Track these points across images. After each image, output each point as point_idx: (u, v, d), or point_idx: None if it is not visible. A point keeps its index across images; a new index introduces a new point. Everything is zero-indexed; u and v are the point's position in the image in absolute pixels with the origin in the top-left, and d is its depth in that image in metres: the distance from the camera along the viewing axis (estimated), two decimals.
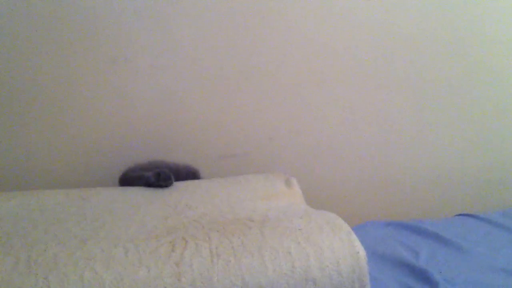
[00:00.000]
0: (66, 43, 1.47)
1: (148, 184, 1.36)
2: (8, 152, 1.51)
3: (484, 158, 1.91)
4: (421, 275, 1.30)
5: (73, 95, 1.52)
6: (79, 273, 0.85)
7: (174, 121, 1.59)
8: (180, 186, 1.38)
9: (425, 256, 1.43)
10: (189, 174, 1.51)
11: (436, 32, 1.73)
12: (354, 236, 1.00)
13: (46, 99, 1.50)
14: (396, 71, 1.74)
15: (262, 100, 1.65)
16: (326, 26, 1.64)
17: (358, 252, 0.97)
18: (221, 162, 1.65)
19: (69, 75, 1.50)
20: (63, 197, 1.24)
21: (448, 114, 1.83)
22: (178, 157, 1.58)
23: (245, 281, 0.89)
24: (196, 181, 1.47)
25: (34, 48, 1.46)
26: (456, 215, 1.79)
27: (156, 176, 1.36)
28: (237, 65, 1.60)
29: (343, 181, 1.80)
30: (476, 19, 1.75)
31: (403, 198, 1.86)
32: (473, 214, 1.74)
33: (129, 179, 1.44)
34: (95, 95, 1.53)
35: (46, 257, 0.89)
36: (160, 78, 1.55)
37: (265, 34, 1.60)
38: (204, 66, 1.58)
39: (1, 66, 1.45)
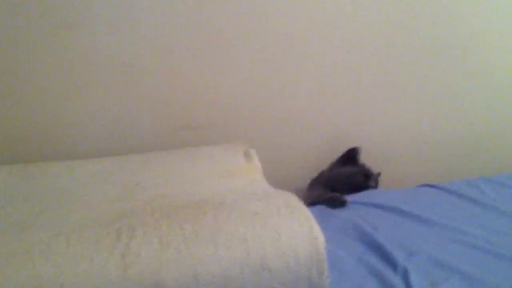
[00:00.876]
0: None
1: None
2: None
3: (447, 130, 1.91)
4: (380, 249, 1.29)
5: (23, 61, 1.44)
6: (15, 268, 0.79)
7: (132, 91, 1.52)
8: (135, 160, 1.32)
9: (385, 229, 1.41)
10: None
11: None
12: (313, 221, 0.96)
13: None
14: (364, 39, 1.70)
15: (225, 69, 1.59)
16: None
17: (316, 238, 0.94)
18: (182, 133, 1.58)
19: (20, 40, 1.41)
20: (4, 176, 1.15)
21: (411, 86, 1.82)
22: (136, 128, 1.53)
23: (196, 272, 0.85)
24: (151, 154, 1.40)
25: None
26: (418, 185, 1.78)
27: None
28: (198, 34, 1.53)
29: (307, 153, 1.77)
30: None
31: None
32: (435, 185, 1.73)
33: None
34: (47, 61, 1.45)
35: None
36: (118, 47, 1.48)
37: (227, 1, 1.52)
38: (164, 35, 1.51)
39: None
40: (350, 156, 1.71)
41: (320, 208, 1.52)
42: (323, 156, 1.77)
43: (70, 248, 0.83)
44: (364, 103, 1.80)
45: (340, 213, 1.50)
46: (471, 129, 1.94)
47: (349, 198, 1.58)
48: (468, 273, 1.19)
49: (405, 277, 1.17)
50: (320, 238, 0.94)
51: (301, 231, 0.93)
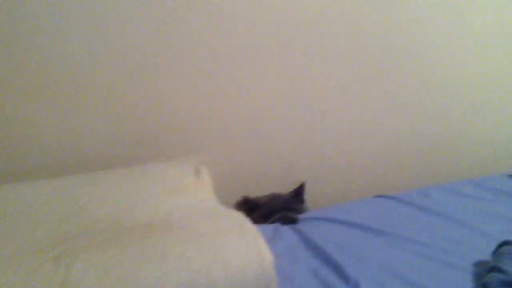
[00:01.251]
0: None
1: None
2: None
3: (399, 140, 1.95)
4: (333, 263, 1.30)
5: None
6: None
7: (81, 106, 1.49)
8: (81, 180, 1.28)
9: (339, 242, 1.42)
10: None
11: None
12: (261, 240, 0.96)
13: None
14: (316, 43, 1.70)
15: (175, 80, 1.57)
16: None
17: (264, 258, 0.93)
18: (131, 149, 1.55)
19: None
20: None
21: (366, 98, 1.84)
22: (85, 144, 1.49)
23: None
24: (99, 174, 1.36)
25: None
26: (374, 196, 1.79)
27: None
28: (145, 42, 1.50)
29: (260, 166, 1.76)
30: None
31: (322, 183, 1.86)
32: (390, 195, 1.75)
33: None
34: None
35: None
36: (62, 58, 1.44)
37: (171, 10, 1.50)
38: (109, 46, 1.47)
39: None
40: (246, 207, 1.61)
41: (274, 224, 1.52)
42: (277, 170, 1.77)
43: (8, 277, 0.81)
44: (319, 113, 1.80)
45: (294, 229, 1.51)
46: (423, 137, 1.97)
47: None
48: (419, 283, 1.21)
49: None
50: (268, 257, 0.94)
51: (248, 251, 0.93)
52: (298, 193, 1.68)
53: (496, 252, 1.28)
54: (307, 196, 1.72)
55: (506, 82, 2.00)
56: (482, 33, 1.90)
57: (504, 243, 1.28)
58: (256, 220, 1.38)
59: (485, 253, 1.32)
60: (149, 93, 1.54)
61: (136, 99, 1.53)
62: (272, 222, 1.52)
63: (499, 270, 1.18)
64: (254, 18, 1.59)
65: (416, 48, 1.84)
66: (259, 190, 1.67)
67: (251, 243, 0.94)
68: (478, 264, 1.30)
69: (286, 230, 1.50)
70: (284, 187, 1.72)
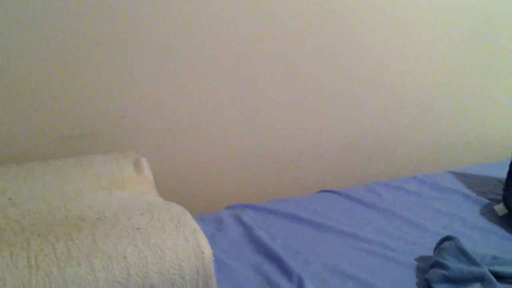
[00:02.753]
0: None
1: None
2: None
3: (345, 136, 1.95)
4: (277, 258, 1.29)
5: None
6: None
7: (10, 96, 1.40)
8: (8, 171, 1.21)
9: (283, 237, 1.42)
10: None
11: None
12: (200, 234, 0.94)
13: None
14: (254, 38, 1.67)
15: (112, 72, 1.50)
16: None
17: (203, 252, 0.91)
18: (66, 143, 1.48)
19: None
20: None
21: (310, 92, 1.83)
22: (14, 138, 1.41)
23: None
24: (28, 165, 1.27)
25: None
26: (319, 191, 1.80)
27: None
28: (82, 34, 1.43)
29: (202, 162, 1.72)
30: None
31: (268, 178, 1.84)
32: (335, 190, 1.76)
33: None
34: None
35: None
36: None
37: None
38: (46, 36, 1.40)
39: None
40: None
41: (217, 219, 1.50)
42: (218, 163, 1.75)
43: None
44: (261, 110, 1.78)
45: (239, 222, 1.49)
46: (368, 134, 1.99)
47: (246, 206, 1.57)
48: (362, 278, 1.23)
49: (301, 285, 1.18)
50: (208, 252, 0.91)
51: (186, 246, 0.90)
52: None
53: (438, 247, 1.30)
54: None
55: (450, 80, 2.04)
56: (424, 31, 1.93)
57: (446, 239, 1.31)
58: None
59: (427, 249, 1.35)
60: (85, 87, 1.47)
61: (71, 93, 1.46)
62: None
63: (441, 266, 1.20)
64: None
65: (357, 47, 1.84)
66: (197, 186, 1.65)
67: (189, 237, 0.91)
68: (421, 260, 1.33)
69: (231, 224, 1.49)
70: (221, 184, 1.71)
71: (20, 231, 0.88)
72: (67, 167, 1.24)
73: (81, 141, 1.49)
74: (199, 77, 1.62)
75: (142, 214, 0.96)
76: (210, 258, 0.91)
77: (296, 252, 1.34)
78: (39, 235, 0.87)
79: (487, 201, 1.67)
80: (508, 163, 1.64)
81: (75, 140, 1.48)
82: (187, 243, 0.90)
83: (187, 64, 1.58)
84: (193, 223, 0.95)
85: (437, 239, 1.33)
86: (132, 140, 1.57)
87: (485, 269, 1.16)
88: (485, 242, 1.42)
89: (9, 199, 1.04)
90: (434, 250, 1.31)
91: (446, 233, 1.36)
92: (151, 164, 1.37)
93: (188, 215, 0.97)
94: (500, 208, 1.57)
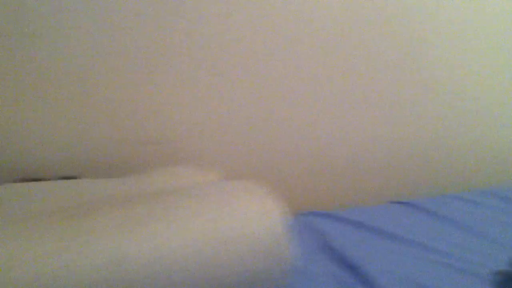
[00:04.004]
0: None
1: None
2: None
3: (416, 146, 1.96)
4: (353, 267, 1.31)
5: None
6: None
7: (87, 104, 1.52)
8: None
9: (355, 246, 1.44)
10: None
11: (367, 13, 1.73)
12: (269, 197, 1.02)
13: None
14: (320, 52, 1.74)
15: (191, 83, 1.61)
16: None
17: (274, 212, 0.99)
18: (144, 149, 1.58)
19: None
20: None
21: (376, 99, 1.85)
22: (91, 142, 1.52)
23: (156, 247, 0.88)
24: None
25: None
26: (389, 202, 1.81)
27: None
28: (163, 43, 1.54)
29: (274, 169, 1.78)
30: None
31: (335, 186, 1.87)
32: (405, 201, 1.77)
33: None
34: None
35: None
36: (69, 56, 1.47)
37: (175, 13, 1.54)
38: (122, 43, 1.51)
39: None
40: None
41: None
42: (288, 170, 1.79)
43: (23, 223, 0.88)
44: (334, 115, 1.81)
45: (309, 227, 1.53)
46: (440, 145, 1.98)
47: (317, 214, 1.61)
48: None
49: None
50: (277, 212, 1.00)
51: (257, 207, 0.99)
52: None
53: None
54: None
55: None
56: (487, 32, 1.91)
57: None
58: None
59: (502, 262, 1.33)
60: (152, 96, 1.58)
61: (138, 102, 1.57)
62: None
63: None
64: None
65: (418, 48, 1.85)
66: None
67: (259, 200, 1.01)
68: (496, 273, 1.31)
69: (302, 230, 1.51)
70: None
71: (103, 204, 1.00)
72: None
73: (159, 147, 1.59)
74: (258, 88, 1.70)
75: (214, 184, 1.11)
76: (280, 217, 0.99)
77: (370, 262, 1.34)
78: (121, 203, 0.99)
79: None
80: None
81: (152, 146, 1.59)
82: (257, 204, 1.00)
83: (264, 73, 1.68)
84: (262, 189, 1.05)
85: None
86: (207, 148, 1.67)
87: None
88: None
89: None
90: (510, 263, 1.30)
91: None
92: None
93: (256, 185, 1.07)
94: None
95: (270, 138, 1.76)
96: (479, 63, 1.95)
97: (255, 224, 0.96)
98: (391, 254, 1.41)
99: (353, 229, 1.55)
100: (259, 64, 1.67)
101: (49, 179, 1.31)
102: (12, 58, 1.43)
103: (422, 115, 1.93)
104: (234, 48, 1.62)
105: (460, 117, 1.99)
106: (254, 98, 1.70)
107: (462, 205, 1.75)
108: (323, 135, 1.82)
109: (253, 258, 0.94)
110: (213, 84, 1.63)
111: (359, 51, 1.77)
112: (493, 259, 1.36)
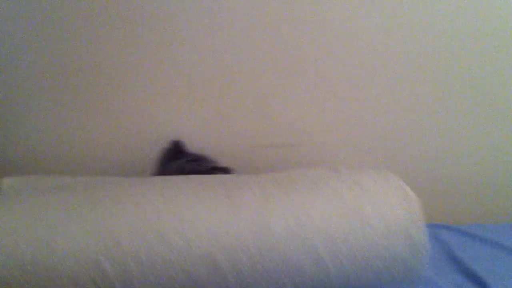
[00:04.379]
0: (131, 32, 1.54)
1: None
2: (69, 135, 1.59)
3: None
4: (481, 283, 1.29)
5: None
6: (140, 208, 0.93)
7: (229, 103, 1.61)
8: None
9: (484, 262, 1.40)
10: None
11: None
12: (406, 186, 1.05)
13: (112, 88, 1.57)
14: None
15: (316, 89, 1.66)
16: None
17: (410, 197, 1.02)
18: (265, 152, 1.65)
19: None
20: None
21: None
22: (226, 140, 1.61)
23: (300, 221, 0.95)
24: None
25: (102, 37, 1.53)
26: None
27: None
28: (294, 52, 1.62)
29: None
30: None
31: (463, 201, 1.82)
32: None
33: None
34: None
35: (108, 194, 0.97)
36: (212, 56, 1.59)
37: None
38: (263, 44, 1.60)
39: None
40: (176, 152, 1.53)
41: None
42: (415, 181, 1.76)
43: (185, 193, 0.99)
44: (456, 132, 1.79)
45: (437, 241, 1.52)
46: None
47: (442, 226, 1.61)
48: None
49: None
50: (413, 197, 1.03)
51: (395, 192, 1.03)
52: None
53: None
54: None
55: None
56: None
57: None
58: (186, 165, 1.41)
59: None
60: (289, 101, 1.65)
61: (271, 108, 1.65)
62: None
63: None
64: None
65: None
66: None
67: (396, 186, 1.04)
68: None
69: (430, 241, 1.49)
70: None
71: (252, 181, 1.07)
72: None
73: (285, 151, 1.66)
74: (393, 100, 1.73)
75: (352, 171, 1.11)
76: (417, 201, 1.03)
77: (500, 279, 1.30)
78: (269, 180, 1.06)
79: None
80: None
81: (279, 149, 1.66)
82: (395, 190, 1.03)
83: (392, 76, 1.70)
84: (399, 178, 1.08)
85: None
86: (332, 152, 1.71)
87: None
88: None
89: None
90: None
91: None
92: None
93: (393, 174, 1.10)
94: None
95: (399, 144, 1.76)
96: None
97: (397, 208, 1.00)
98: None
99: (479, 244, 1.51)
100: (394, 68, 1.69)
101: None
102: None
103: None
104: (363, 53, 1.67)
105: None
106: (390, 102, 1.72)
107: None
108: (458, 148, 1.80)
109: (394, 241, 0.98)
110: (343, 91, 1.68)
111: None
112: None
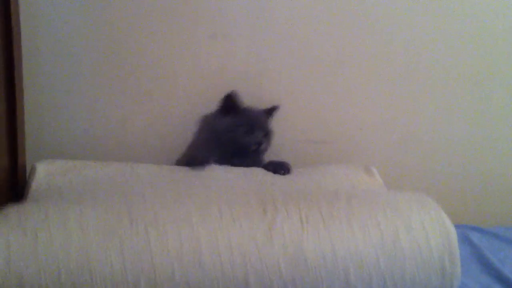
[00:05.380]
0: (168, 16, 1.54)
1: None
2: (106, 121, 1.59)
3: None
4: (508, 283, 1.30)
5: (170, 68, 1.58)
6: (177, 228, 0.94)
7: (267, 99, 1.58)
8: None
9: (511, 263, 1.42)
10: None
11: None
12: (443, 213, 1.05)
13: (148, 74, 1.57)
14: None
15: (354, 92, 1.68)
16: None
17: (447, 228, 1.02)
18: (306, 147, 1.66)
19: (171, 52, 1.57)
20: (155, 168, 1.32)
21: None
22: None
23: (334, 248, 0.95)
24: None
25: (138, 25, 1.54)
26: None
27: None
28: (332, 51, 1.63)
29: (430, 181, 1.77)
30: None
31: (492, 203, 1.82)
32: None
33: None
34: (195, 70, 1.59)
35: (146, 211, 0.98)
36: (256, 54, 1.60)
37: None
38: (301, 44, 1.62)
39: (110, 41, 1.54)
40: (229, 106, 1.45)
41: None
42: (442, 182, 1.80)
43: (223, 216, 0.97)
44: (491, 131, 1.80)
45: (467, 241, 1.53)
46: None
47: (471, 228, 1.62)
48: None
49: None
50: (451, 228, 1.02)
51: (432, 222, 1.02)
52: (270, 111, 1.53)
53: None
54: None
55: None
56: None
57: None
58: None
59: None
60: (329, 100, 1.67)
61: (319, 103, 1.67)
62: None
63: None
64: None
65: None
66: None
67: (434, 215, 1.03)
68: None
69: (458, 241, 1.51)
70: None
71: (290, 197, 1.07)
72: (306, 170, 1.44)
73: (319, 147, 1.67)
74: (426, 98, 1.73)
75: (389, 195, 1.11)
76: (455, 235, 1.01)
77: None
78: (305, 199, 1.05)
79: None
80: None
81: (314, 145, 1.67)
82: (431, 219, 1.02)
83: (420, 89, 1.72)
84: (437, 205, 1.06)
85: None
86: (364, 151, 1.72)
87: None
88: None
89: (271, 183, 1.26)
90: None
91: None
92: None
93: (431, 199, 1.09)
94: None
95: (429, 150, 1.77)
96: None
97: (432, 238, 1.00)
98: None
99: (509, 247, 1.52)
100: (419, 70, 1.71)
101: None
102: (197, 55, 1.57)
103: None
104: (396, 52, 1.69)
105: None
106: (416, 105, 1.74)
107: None
108: (488, 146, 1.81)
109: (426, 271, 0.98)
110: (377, 91, 1.70)
111: None
112: None
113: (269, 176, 1.32)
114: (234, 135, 1.41)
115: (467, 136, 1.78)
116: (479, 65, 1.72)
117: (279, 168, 1.37)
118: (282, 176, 1.33)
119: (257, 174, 1.33)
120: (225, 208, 1.00)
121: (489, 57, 1.72)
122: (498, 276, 1.33)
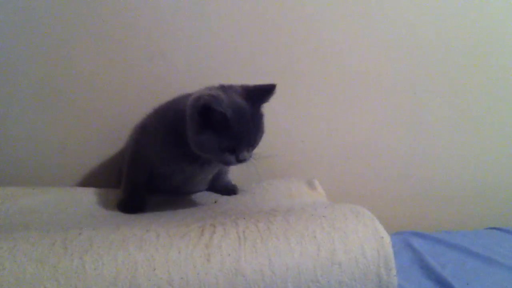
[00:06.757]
0: (105, 36, 1.55)
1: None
2: (45, 145, 1.58)
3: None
4: (447, 286, 1.34)
5: (109, 89, 1.58)
6: (113, 254, 0.93)
7: None
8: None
9: (452, 267, 1.47)
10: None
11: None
12: (377, 222, 1.07)
13: (87, 97, 1.57)
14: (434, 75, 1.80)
15: (297, 104, 1.72)
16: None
17: (382, 237, 1.04)
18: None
19: (107, 71, 1.57)
20: (95, 192, 1.34)
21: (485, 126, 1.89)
22: None
23: (271, 262, 0.97)
24: None
25: (76, 49, 1.54)
26: (487, 228, 1.82)
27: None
28: (273, 66, 1.66)
29: (373, 189, 1.83)
30: None
31: (433, 209, 1.89)
32: (503, 228, 1.77)
33: None
34: (133, 90, 1.59)
35: (81, 240, 0.97)
36: (196, 74, 1.61)
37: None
38: (240, 57, 1.64)
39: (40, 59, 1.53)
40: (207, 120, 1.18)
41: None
42: (385, 190, 1.85)
43: (160, 240, 0.98)
44: (429, 142, 1.85)
45: (408, 248, 1.58)
46: None
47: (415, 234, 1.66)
48: None
49: None
50: (386, 237, 1.04)
51: (367, 230, 1.04)
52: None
53: None
54: None
55: None
56: None
57: None
58: None
59: None
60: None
61: None
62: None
63: None
64: None
65: None
66: None
67: (369, 224, 1.06)
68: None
69: (400, 248, 1.56)
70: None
71: (228, 216, 1.10)
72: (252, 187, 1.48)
73: (262, 161, 1.66)
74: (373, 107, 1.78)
75: (325, 207, 1.13)
76: (389, 242, 1.03)
77: (467, 283, 1.36)
78: (243, 218, 1.08)
79: None
80: None
81: (257, 160, 1.65)
82: (366, 228, 1.04)
83: (359, 100, 1.77)
84: (371, 214, 1.09)
85: None
86: (307, 163, 1.75)
87: None
88: None
89: (215, 202, 1.28)
90: None
91: None
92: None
93: (366, 209, 1.11)
94: None
95: (371, 160, 1.82)
96: None
97: (368, 248, 1.02)
98: (487, 278, 1.41)
99: (450, 251, 1.57)
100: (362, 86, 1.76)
101: None
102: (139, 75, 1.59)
103: None
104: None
105: None
106: (356, 117, 1.78)
107: None
108: (427, 156, 1.87)
109: (362, 281, 1.00)
110: (318, 103, 1.74)
111: None
112: None
113: (211, 198, 1.35)
114: (215, 156, 1.21)
115: (405, 145, 1.84)
116: (416, 74, 1.78)
117: (225, 191, 1.41)
118: (225, 197, 1.36)
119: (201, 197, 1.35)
120: (162, 231, 1.01)
121: (425, 65, 1.78)
122: (438, 280, 1.37)
